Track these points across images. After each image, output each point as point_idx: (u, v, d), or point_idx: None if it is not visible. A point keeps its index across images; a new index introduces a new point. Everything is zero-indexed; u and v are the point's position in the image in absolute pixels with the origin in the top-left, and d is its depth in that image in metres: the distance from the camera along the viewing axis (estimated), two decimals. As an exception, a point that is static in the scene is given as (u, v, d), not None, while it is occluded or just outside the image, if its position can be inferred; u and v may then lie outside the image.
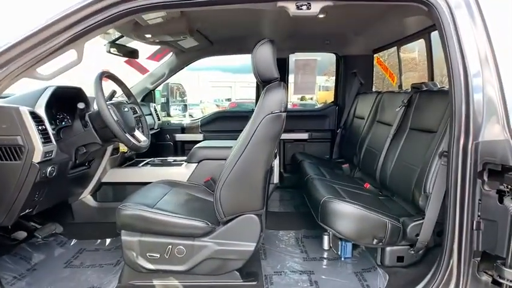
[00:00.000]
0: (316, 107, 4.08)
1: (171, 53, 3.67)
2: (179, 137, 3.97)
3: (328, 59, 4.61)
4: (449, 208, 1.51)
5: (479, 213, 1.41)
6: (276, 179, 2.69)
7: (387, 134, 2.59)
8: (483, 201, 1.39)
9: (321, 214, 2.05)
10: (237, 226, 1.78)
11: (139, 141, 2.29)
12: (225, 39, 3.51)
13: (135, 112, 2.52)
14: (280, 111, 1.73)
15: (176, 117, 4.38)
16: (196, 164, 2.66)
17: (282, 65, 3.84)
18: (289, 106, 4.25)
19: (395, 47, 3.21)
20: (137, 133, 2.36)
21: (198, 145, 2.84)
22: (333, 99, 4.17)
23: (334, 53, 3.90)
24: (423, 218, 1.88)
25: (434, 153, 1.91)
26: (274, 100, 1.74)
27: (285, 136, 3.98)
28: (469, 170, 1.44)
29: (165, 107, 4.26)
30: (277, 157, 2.81)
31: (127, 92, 2.51)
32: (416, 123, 2.31)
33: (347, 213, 1.95)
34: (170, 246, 1.77)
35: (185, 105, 4.64)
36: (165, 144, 3.98)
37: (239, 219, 1.78)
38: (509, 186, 1.31)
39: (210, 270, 1.82)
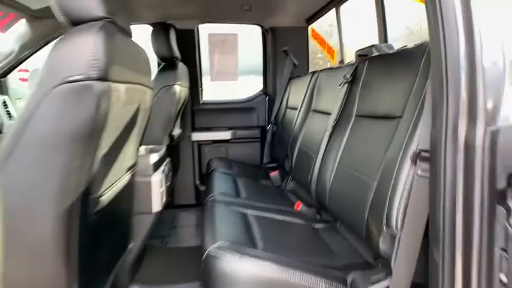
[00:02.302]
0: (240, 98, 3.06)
1: (23, 21, 2.54)
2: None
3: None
4: (440, 263, 0.73)
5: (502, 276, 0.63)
6: (156, 205, 1.73)
7: (325, 127, 1.72)
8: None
9: (204, 275, 1.10)
10: None
11: None
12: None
13: None
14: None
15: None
16: None
17: (188, 40, 2.88)
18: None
19: (334, 10, 2.37)
20: None
21: None
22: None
23: (258, 25, 3.00)
24: (389, 273, 1.01)
25: (402, 155, 1.05)
26: None
27: (200, 136, 3.02)
28: (479, 186, 0.67)
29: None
30: (167, 170, 1.87)
31: None
32: (366, 107, 1.44)
33: (246, 279, 1.01)
34: None
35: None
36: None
37: None
38: None
39: None
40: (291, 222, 1.53)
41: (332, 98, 1.76)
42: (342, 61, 2.26)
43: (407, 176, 1.00)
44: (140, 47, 1.27)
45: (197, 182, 3.08)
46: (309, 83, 2.29)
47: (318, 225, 1.53)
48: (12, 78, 3.09)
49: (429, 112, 0.90)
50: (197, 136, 3.02)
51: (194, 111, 3.07)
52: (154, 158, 1.74)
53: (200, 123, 3.10)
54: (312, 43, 2.95)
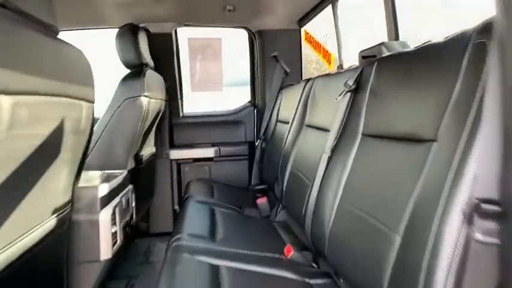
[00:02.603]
0: (225, 109, 2.69)
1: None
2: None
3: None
4: None
5: None
6: (106, 251, 1.36)
7: (322, 147, 1.35)
8: None
9: None
10: None
11: None
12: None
13: None
14: None
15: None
16: None
17: (165, 45, 2.53)
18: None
19: (330, 6, 2.02)
20: None
21: None
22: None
23: (243, 28, 2.65)
24: None
25: (446, 203, 0.67)
26: None
27: (180, 154, 2.64)
28: None
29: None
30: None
31: None
32: (377, 124, 1.07)
33: None
34: None
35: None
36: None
37: None
38: None
39: None
40: (278, 277, 1.15)
41: (330, 111, 1.39)
42: (340, 66, 1.91)
43: (458, 237, 0.62)
44: (75, 49, 1.04)
45: (176, 207, 2.69)
46: (302, 92, 1.93)
47: (314, 281, 1.15)
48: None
49: (492, 137, 0.54)
50: (176, 154, 2.64)
51: (173, 125, 2.70)
52: (103, 190, 1.36)
53: (180, 139, 2.72)
54: (305, 51, 2.60)
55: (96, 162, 1.76)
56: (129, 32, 1.93)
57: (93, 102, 1.12)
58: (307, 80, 1.95)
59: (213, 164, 2.72)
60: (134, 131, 1.81)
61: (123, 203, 1.55)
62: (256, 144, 2.64)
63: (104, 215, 1.33)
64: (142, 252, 2.42)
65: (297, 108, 1.95)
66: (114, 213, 1.42)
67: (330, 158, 1.29)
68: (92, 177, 1.54)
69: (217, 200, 2.05)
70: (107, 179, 1.57)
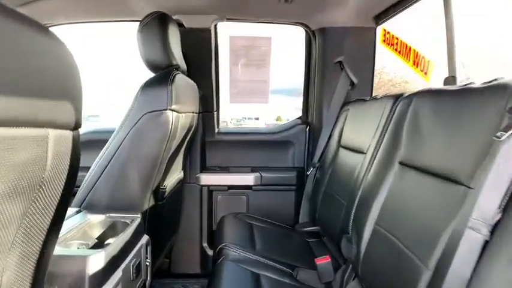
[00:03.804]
0: (271, 126, 2.14)
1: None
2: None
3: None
4: None
5: None
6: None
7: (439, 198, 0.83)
8: None
9: None
10: None
11: None
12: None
13: None
14: None
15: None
16: None
17: (201, 44, 2.04)
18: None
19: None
20: None
21: None
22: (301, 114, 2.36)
23: (301, 24, 2.11)
24: None
25: None
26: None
27: (212, 180, 2.14)
28: None
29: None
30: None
31: None
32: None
33: None
34: None
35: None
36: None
37: None
38: None
39: None
40: None
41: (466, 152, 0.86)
42: (452, 78, 1.31)
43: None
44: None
45: (204, 244, 2.17)
46: (392, 111, 1.37)
47: None
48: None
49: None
50: (208, 179, 2.13)
51: (205, 143, 2.20)
52: (96, 262, 0.85)
53: (213, 160, 2.22)
54: (381, 56, 2.03)
55: (102, 199, 1.27)
56: (157, 23, 1.44)
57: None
58: (399, 96, 1.38)
59: (252, 194, 2.19)
60: (155, 156, 1.32)
61: (132, 270, 1.04)
62: (308, 172, 2.08)
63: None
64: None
65: (382, 134, 1.38)
66: None
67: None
68: (83, 230, 1.05)
69: (262, 253, 1.50)
70: (110, 230, 1.07)
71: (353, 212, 1.39)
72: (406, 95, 1.30)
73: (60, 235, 0.97)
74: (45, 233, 0.64)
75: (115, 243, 0.95)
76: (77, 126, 0.64)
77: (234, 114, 3.12)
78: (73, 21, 2.08)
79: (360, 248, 1.22)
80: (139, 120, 1.28)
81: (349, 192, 1.49)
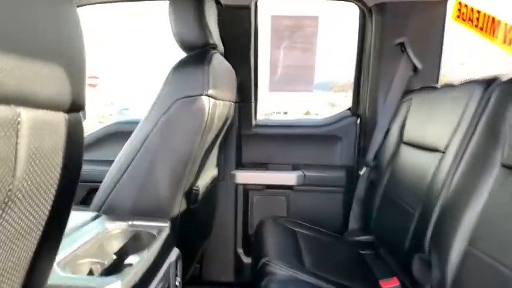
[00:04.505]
0: (317, 118, 1.86)
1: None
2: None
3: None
4: None
5: None
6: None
7: None
8: None
9: None
10: None
11: None
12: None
13: None
14: None
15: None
16: None
17: (239, 23, 1.79)
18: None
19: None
20: None
21: None
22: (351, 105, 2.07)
23: (355, 1, 1.81)
24: None
25: None
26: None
27: (249, 178, 1.91)
28: None
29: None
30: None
31: None
32: None
33: None
34: None
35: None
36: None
37: None
38: None
39: None
40: None
41: None
42: None
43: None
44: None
45: (239, 250, 1.95)
46: (481, 100, 1.07)
47: None
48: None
49: None
50: (244, 177, 1.90)
51: (241, 137, 1.96)
52: None
53: (250, 156, 1.98)
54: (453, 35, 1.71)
55: (125, 202, 1.06)
56: None
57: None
58: (491, 82, 1.08)
59: (293, 195, 1.94)
60: (188, 151, 1.09)
61: None
62: (361, 172, 1.80)
63: None
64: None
65: (468, 129, 1.09)
66: None
67: None
68: (100, 243, 0.84)
69: (313, 271, 1.24)
70: (132, 243, 0.86)
71: (431, 225, 1.11)
72: (505, 79, 1.02)
73: (70, 251, 0.76)
74: (27, 266, 0.41)
75: (137, 267, 0.73)
76: (75, 107, 0.40)
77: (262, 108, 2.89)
78: (103, 0, 1.89)
79: (445, 274, 0.96)
80: (170, 107, 1.05)
81: (422, 200, 1.21)
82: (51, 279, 0.62)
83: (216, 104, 1.14)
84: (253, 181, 1.92)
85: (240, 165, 1.96)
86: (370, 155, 1.77)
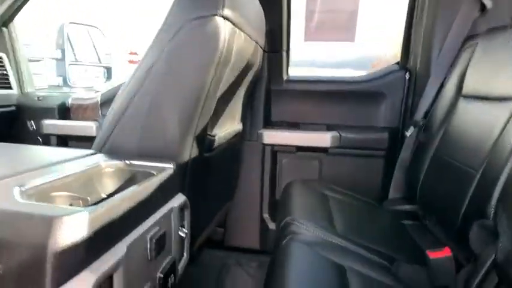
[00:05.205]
0: (357, 74, 1.61)
1: None
2: (54, 125, 1.83)
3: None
4: None
5: None
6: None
7: None
8: None
9: None
10: None
11: None
12: None
13: None
14: None
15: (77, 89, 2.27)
16: None
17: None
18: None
19: None
20: None
21: None
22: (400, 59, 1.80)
23: None
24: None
25: None
26: None
27: (278, 138, 1.74)
28: None
29: (60, 66, 2.24)
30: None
31: None
32: None
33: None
34: None
35: (108, 69, 2.51)
36: (23, 139, 1.89)
37: None
38: None
39: None
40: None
41: None
42: None
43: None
44: None
45: (265, 215, 1.80)
46: None
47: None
48: (25, 30, 2.19)
49: None
50: (272, 137, 1.72)
51: (271, 92, 1.77)
52: (67, 232, 0.48)
53: (280, 114, 1.80)
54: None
55: (127, 143, 0.93)
56: None
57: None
58: None
59: (327, 158, 1.73)
60: (200, 86, 0.92)
61: (150, 245, 0.67)
62: (407, 133, 1.55)
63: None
64: (213, 275, 1.62)
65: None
66: (111, 284, 0.55)
67: None
68: (87, 180, 0.71)
69: (345, 236, 1.06)
70: (129, 184, 0.73)
71: (498, 187, 0.91)
72: None
73: (43, 181, 0.63)
74: None
75: (117, 200, 0.58)
76: None
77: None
78: None
79: None
80: (178, 32, 0.88)
81: (486, 159, 1.00)
82: (2, 206, 0.49)
83: (234, 31, 0.96)
84: (283, 142, 1.74)
85: (269, 124, 1.78)
86: (420, 113, 1.52)
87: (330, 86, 1.77)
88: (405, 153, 1.56)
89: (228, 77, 1.06)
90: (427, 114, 1.49)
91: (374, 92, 1.72)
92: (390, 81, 1.70)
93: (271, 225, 1.77)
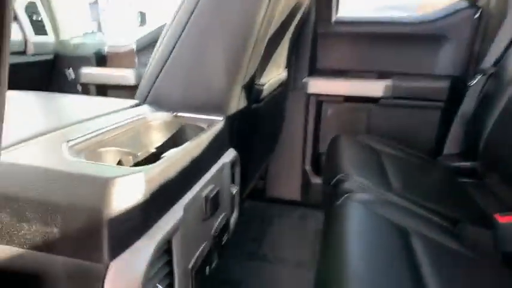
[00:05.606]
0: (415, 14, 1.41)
1: None
2: (92, 74, 1.81)
3: None
4: None
5: None
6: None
7: None
8: None
9: None
10: None
11: None
12: None
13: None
14: None
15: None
16: None
17: None
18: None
19: None
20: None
21: None
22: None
23: None
24: None
25: None
26: None
27: (323, 87, 1.62)
28: None
29: (94, 10, 2.18)
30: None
31: None
32: None
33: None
34: None
35: (142, 14, 2.40)
36: (62, 88, 1.89)
37: None
38: None
39: None
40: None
41: None
42: None
43: None
44: None
45: (307, 167, 1.74)
46: None
47: None
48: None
49: None
50: (317, 85, 1.60)
51: (317, 36, 1.62)
52: (124, 194, 0.42)
53: (326, 61, 1.66)
54: None
55: (171, 93, 0.86)
56: None
57: None
58: None
59: (377, 110, 1.61)
60: (248, 28, 0.82)
61: (206, 204, 0.63)
62: (472, 83, 1.38)
63: (123, 264, 0.43)
64: (256, 224, 1.63)
65: None
66: (169, 248, 0.51)
67: None
68: (134, 133, 0.65)
69: (401, 194, 0.98)
70: (177, 138, 0.67)
71: None
72: None
73: (91, 135, 0.58)
74: None
75: (172, 159, 0.53)
76: None
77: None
78: None
79: None
80: None
81: None
82: (53, 165, 0.45)
83: None
84: (329, 91, 1.62)
85: (314, 72, 1.66)
86: (490, 60, 1.34)
87: (384, 27, 1.59)
88: (467, 105, 1.41)
89: (279, 16, 0.94)
90: (498, 62, 1.30)
91: (434, 34, 1.52)
92: (455, 21, 1.49)
93: (314, 179, 1.72)
